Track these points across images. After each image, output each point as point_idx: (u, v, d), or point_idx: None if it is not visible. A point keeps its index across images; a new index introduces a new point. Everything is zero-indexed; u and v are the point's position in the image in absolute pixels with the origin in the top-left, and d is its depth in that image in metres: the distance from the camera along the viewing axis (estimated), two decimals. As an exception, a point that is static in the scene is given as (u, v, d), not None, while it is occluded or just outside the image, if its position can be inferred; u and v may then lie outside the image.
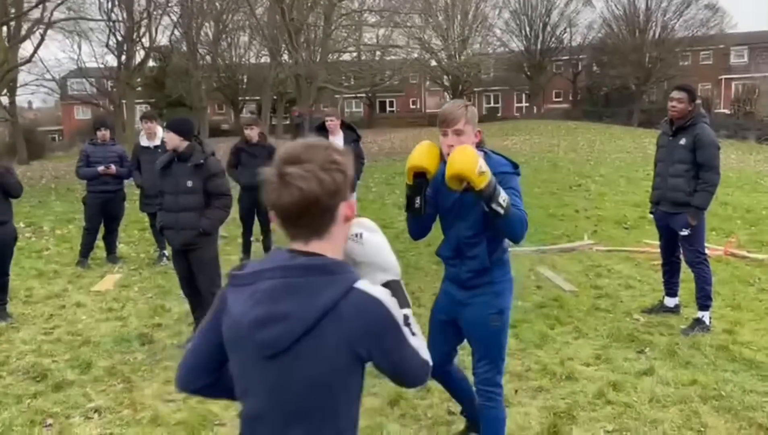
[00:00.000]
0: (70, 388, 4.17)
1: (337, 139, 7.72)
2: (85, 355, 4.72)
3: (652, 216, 5.70)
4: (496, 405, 2.98)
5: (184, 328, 5.30)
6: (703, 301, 5.18)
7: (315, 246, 1.51)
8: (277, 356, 1.45)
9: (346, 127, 7.80)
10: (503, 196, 2.62)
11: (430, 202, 2.87)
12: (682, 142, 5.13)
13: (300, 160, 1.49)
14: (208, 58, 32.49)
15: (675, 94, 5.19)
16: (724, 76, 49.97)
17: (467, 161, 2.58)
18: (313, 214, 1.48)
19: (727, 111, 44.36)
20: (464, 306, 2.96)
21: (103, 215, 7.71)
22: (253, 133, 7.42)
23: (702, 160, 5.07)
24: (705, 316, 5.16)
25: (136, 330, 5.28)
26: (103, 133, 7.65)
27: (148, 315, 5.73)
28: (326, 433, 1.50)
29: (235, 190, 7.66)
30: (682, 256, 5.45)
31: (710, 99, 43.12)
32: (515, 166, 2.88)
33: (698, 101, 5.26)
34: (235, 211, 7.76)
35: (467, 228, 2.87)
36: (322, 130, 7.72)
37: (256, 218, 7.65)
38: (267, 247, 7.74)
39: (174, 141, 4.71)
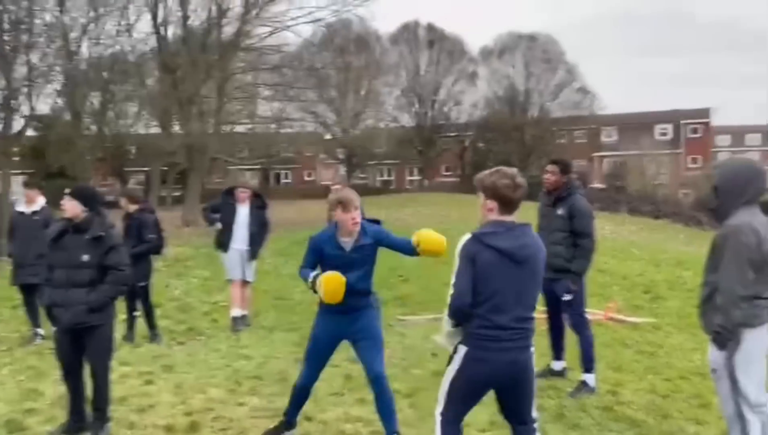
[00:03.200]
0: None
1: (243, 207, 7.84)
2: (-58, 448, 4.23)
3: None
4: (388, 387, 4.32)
5: (58, 412, 4.87)
6: (587, 363, 5.41)
7: (514, 217, 3.20)
8: (521, 263, 3.15)
9: (253, 194, 7.98)
10: None
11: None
12: (560, 211, 5.49)
13: (519, 175, 3.20)
14: (93, 127, 31.34)
15: (548, 167, 5.63)
16: (596, 154, 54.13)
17: (442, 246, 4.25)
18: (521, 202, 3.20)
19: (601, 185, 47.75)
20: (354, 321, 4.22)
21: None
22: (128, 205, 7.24)
23: (578, 228, 5.43)
24: (590, 378, 5.38)
25: (4, 416, 4.81)
26: None
27: (19, 399, 5.24)
28: (534, 305, 3.27)
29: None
30: (566, 321, 5.71)
31: (586, 174, 46.37)
32: (379, 221, 4.42)
33: (572, 174, 5.67)
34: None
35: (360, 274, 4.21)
36: (230, 194, 7.93)
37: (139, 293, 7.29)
38: (151, 324, 7.37)
39: (75, 210, 4.40)
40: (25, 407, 5.05)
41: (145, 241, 7.25)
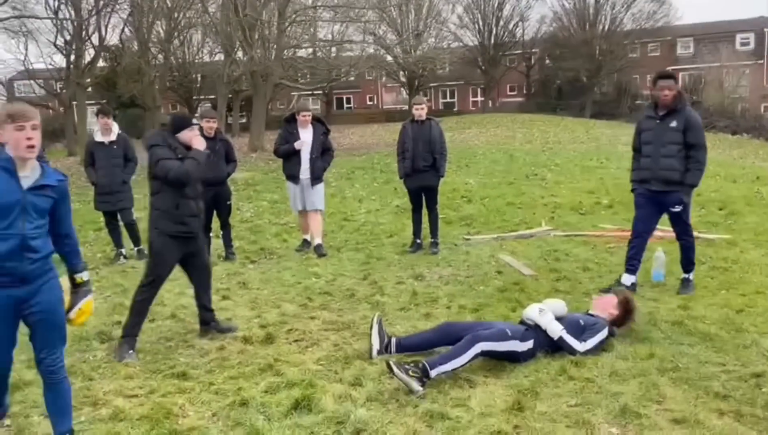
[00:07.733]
0: (28, 387, 4.07)
1: (306, 133, 7.68)
2: (43, 355, 4.59)
3: (633, 193, 5.92)
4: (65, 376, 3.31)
5: (145, 325, 5.18)
6: (688, 264, 5.78)
7: None
8: None
9: (315, 120, 7.79)
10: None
11: None
12: (673, 124, 5.43)
13: None
14: (160, 57, 31.85)
15: (663, 82, 5.50)
16: (671, 67, 51.26)
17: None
18: None
19: (675, 101, 45.53)
20: (32, 295, 3.13)
21: None
22: (211, 126, 7.31)
23: (693, 140, 5.39)
24: (691, 275, 5.77)
25: (95, 328, 5.16)
26: None
27: (107, 313, 5.62)
28: None
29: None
30: (656, 233, 5.98)
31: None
32: (65, 176, 3.30)
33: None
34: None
35: (39, 225, 3.14)
36: (292, 121, 7.73)
37: (215, 214, 7.54)
38: (228, 242, 7.65)
39: None
40: (113, 320, 5.41)
41: (232, 162, 7.52)
